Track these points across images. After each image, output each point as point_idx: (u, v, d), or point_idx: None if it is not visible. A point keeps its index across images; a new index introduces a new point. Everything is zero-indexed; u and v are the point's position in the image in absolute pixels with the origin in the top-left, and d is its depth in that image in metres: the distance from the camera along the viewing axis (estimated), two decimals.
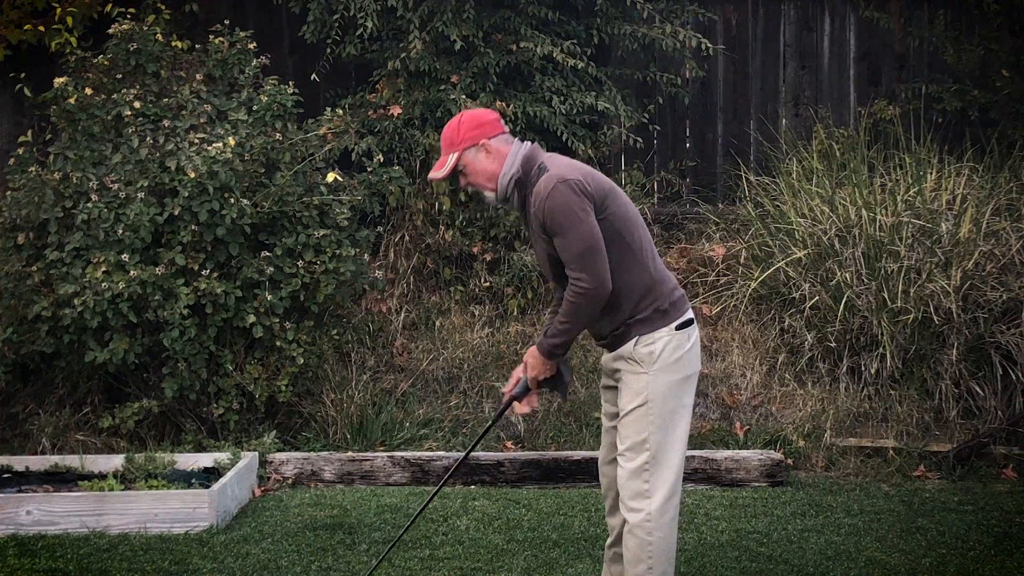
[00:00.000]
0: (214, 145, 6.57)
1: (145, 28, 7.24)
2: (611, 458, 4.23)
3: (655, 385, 4.01)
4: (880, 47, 9.02)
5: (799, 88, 9.02)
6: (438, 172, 4.11)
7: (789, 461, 6.67)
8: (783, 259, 7.40)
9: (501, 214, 7.81)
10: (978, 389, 6.96)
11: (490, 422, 4.24)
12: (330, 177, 7.03)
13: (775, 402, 7.12)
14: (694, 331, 4.11)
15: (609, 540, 4.34)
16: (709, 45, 8.12)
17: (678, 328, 4.05)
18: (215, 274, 6.60)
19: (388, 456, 6.51)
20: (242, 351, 6.78)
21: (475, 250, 7.85)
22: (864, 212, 7.35)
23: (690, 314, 4.12)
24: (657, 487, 4.00)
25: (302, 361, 6.71)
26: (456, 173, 4.11)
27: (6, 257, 6.78)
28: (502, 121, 4.16)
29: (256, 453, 6.45)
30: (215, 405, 6.72)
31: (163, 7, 7.79)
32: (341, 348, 7.21)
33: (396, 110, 7.79)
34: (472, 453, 6.60)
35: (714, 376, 7.32)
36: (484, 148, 4.06)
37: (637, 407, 4.02)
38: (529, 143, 4.14)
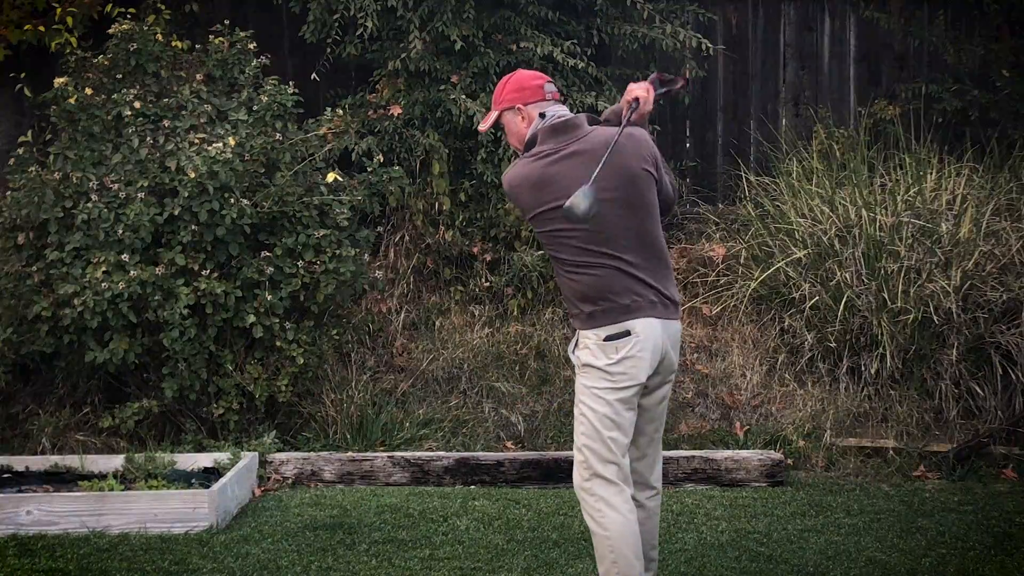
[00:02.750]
0: (214, 145, 6.58)
1: (145, 28, 7.24)
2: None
3: (581, 390, 4.18)
4: (880, 47, 9.02)
5: (799, 88, 9.02)
6: (482, 125, 4.40)
7: (789, 461, 6.67)
8: (783, 259, 7.40)
9: (502, 214, 7.81)
10: (978, 389, 6.96)
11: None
12: (330, 177, 7.03)
13: (775, 402, 7.12)
14: (627, 346, 4.08)
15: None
16: (709, 45, 8.12)
17: (607, 339, 4.08)
18: (215, 274, 6.60)
19: (388, 456, 6.51)
20: (242, 351, 6.78)
21: (475, 250, 7.85)
22: (864, 212, 7.35)
23: (626, 327, 4.08)
24: (600, 485, 4.14)
25: (302, 361, 6.71)
26: (500, 128, 4.41)
27: (6, 257, 6.78)
28: (547, 88, 4.28)
29: (256, 453, 6.45)
30: (215, 405, 6.72)
31: (163, 7, 7.79)
32: (341, 348, 7.21)
33: (396, 110, 7.79)
34: (472, 453, 6.62)
35: (714, 376, 7.32)
36: (520, 112, 4.26)
37: (575, 405, 4.22)
38: (546, 119, 4.20)
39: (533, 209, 4.17)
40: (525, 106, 4.24)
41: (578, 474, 4.19)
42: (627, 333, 4.10)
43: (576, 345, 4.19)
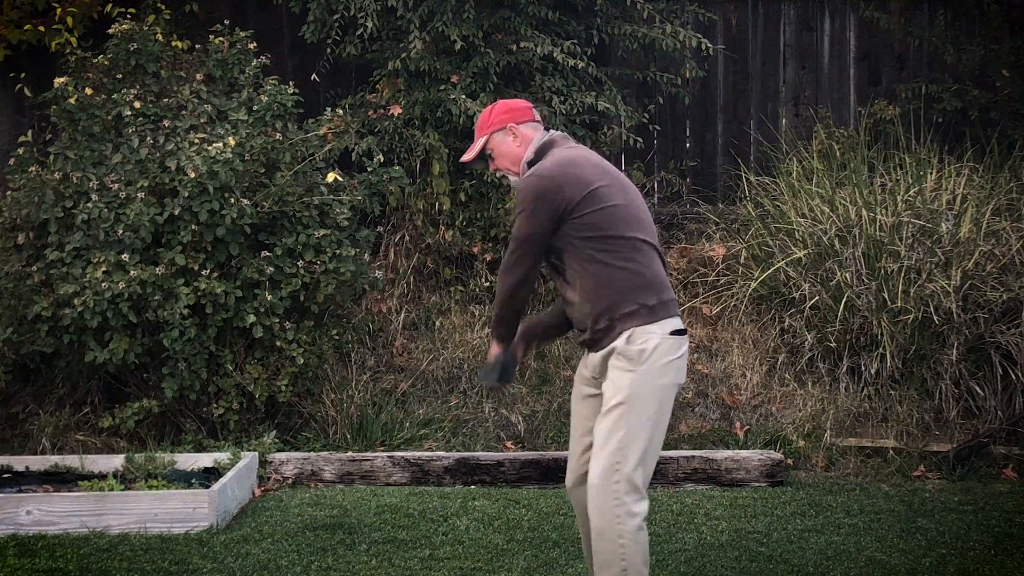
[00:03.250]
0: (214, 145, 6.58)
1: (145, 28, 7.24)
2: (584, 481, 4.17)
3: (640, 384, 3.98)
4: (880, 47, 9.02)
5: (799, 88, 9.02)
6: (467, 155, 4.27)
7: (789, 461, 6.68)
8: (783, 259, 7.40)
9: (501, 214, 7.81)
10: (978, 389, 6.96)
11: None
12: (330, 177, 7.04)
13: (775, 402, 7.12)
14: (685, 343, 4.09)
15: None
16: (709, 45, 8.13)
17: (671, 334, 4.03)
18: (215, 274, 6.60)
19: (388, 456, 6.51)
20: (242, 351, 6.78)
21: (475, 250, 7.85)
22: (864, 212, 7.35)
23: (682, 324, 4.09)
24: (626, 490, 3.97)
25: (302, 361, 6.71)
26: (485, 157, 4.25)
27: (6, 257, 6.78)
28: (535, 111, 4.28)
29: (256, 453, 6.45)
30: (215, 405, 6.72)
31: (163, 7, 7.79)
32: (341, 348, 7.21)
33: (396, 110, 7.78)
34: (472, 453, 6.62)
35: (714, 376, 7.32)
36: (511, 132, 4.18)
37: (618, 404, 3.98)
38: (553, 132, 4.23)
39: (594, 183, 4.02)
40: (518, 125, 4.19)
41: (606, 474, 3.96)
42: (684, 331, 4.08)
43: (628, 340, 3.99)
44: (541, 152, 4.17)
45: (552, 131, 4.25)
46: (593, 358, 4.13)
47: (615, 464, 3.96)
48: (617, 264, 4.01)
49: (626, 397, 3.98)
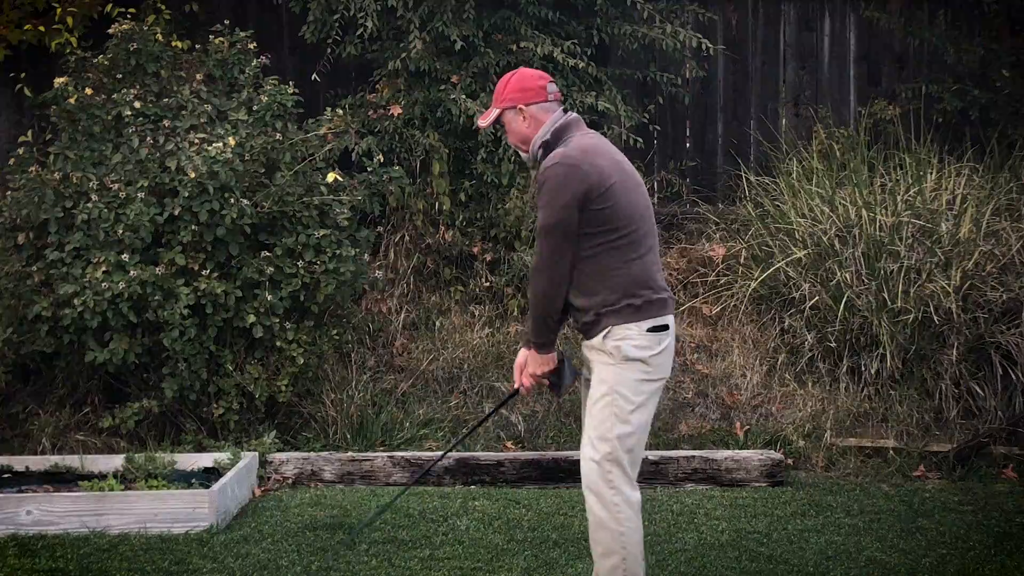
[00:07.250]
0: (214, 145, 6.58)
1: (145, 28, 7.24)
2: None
3: (621, 377, 4.10)
4: (880, 47, 9.02)
5: (799, 88, 9.02)
6: (483, 121, 4.38)
7: (789, 461, 6.68)
8: (783, 259, 7.40)
9: (501, 214, 7.81)
10: (978, 389, 6.96)
11: (489, 412, 4.34)
12: (330, 177, 7.03)
13: (775, 402, 7.12)
14: (667, 338, 4.15)
15: None
16: (709, 45, 8.13)
17: (650, 330, 4.10)
18: (215, 274, 6.60)
19: (388, 456, 6.51)
20: (242, 351, 6.78)
21: (475, 250, 7.85)
22: (864, 212, 7.36)
23: (666, 320, 4.15)
24: (622, 479, 4.09)
25: (302, 361, 6.71)
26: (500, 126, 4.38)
27: (6, 257, 6.78)
28: (550, 89, 4.29)
29: (256, 453, 6.45)
30: (215, 405, 6.72)
31: (163, 7, 7.79)
32: (341, 348, 7.21)
33: (396, 110, 7.78)
34: (472, 453, 6.62)
35: (714, 376, 7.32)
36: (521, 112, 4.25)
37: (604, 394, 4.11)
38: (572, 114, 4.28)
39: (612, 178, 4.08)
40: (527, 106, 4.24)
41: (599, 466, 4.10)
42: (666, 327, 4.15)
43: (605, 337, 4.09)
44: (558, 135, 4.21)
45: (569, 113, 4.28)
46: (584, 344, 4.25)
47: (607, 455, 4.10)
48: (612, 262, 4.09)
49: (609, 389, 4.11)
